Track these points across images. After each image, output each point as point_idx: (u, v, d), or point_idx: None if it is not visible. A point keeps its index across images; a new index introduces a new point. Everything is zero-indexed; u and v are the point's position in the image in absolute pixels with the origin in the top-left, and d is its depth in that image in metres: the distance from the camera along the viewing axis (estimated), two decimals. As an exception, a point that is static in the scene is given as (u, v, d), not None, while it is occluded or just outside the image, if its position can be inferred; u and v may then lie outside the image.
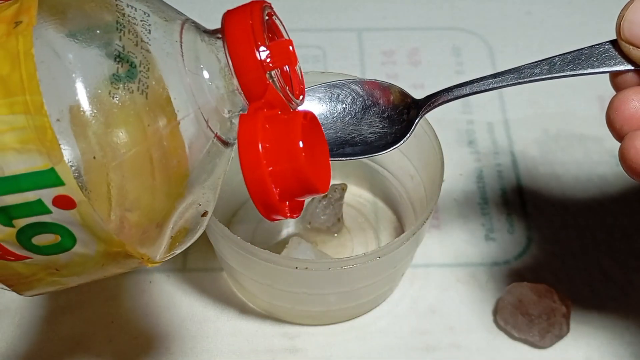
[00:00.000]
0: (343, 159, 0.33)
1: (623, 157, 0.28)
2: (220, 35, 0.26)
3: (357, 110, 0.33)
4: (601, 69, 0.30)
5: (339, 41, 0.56)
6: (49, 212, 0.24)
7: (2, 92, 0.23)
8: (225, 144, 0.28)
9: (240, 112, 0.27)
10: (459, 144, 0.49)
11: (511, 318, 0.40)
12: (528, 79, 0.31)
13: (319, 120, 0.29)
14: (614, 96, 0.30)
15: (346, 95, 0.33)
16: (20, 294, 0.28)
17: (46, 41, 0.24)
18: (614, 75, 0.30)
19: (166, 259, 0.29)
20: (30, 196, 0.24)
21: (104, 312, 0.41)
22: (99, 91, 0.24)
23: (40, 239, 0.25)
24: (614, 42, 0.30)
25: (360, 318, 0.41)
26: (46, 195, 0.24)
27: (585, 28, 0.57)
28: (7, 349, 0.40)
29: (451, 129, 0.50)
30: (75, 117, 0.24)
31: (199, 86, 0.26)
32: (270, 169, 0.25)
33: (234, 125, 0.27)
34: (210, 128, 0.27)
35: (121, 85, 0.24)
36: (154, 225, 0.27)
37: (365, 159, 0.44)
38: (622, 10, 0.29)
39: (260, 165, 0.25)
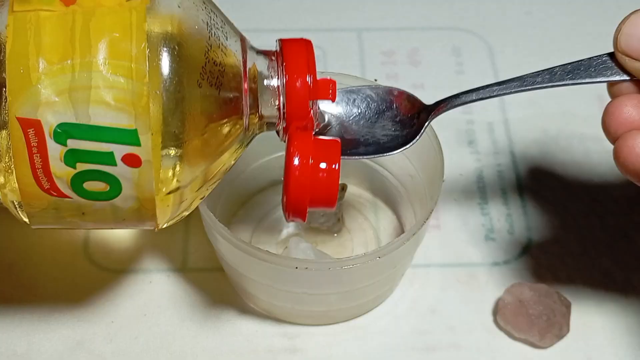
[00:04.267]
0: (356, 157, 0.35)
1: (617, 157, 0.31)
2: (273, 57, 0.32)
3: (371, 115, 0.35)
4: (598, 79, 0.33)
5: (339, 41, 0.56)
6: (114, 164, 0.28)
7: (110, 53, 0.27)
8: (244, 141, 0.32)
9: (265, 126, 0.32)
10: (459, 144, 0.49)
11: (511, 318, 0.40)
12: (530, 87, 0.34)
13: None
14: (609, 102, 0.32)
15: (362, 100, 0.36)
16: (29, 223, 0.31)
17: (155, 22, 0.28)
18: (611, 85, 0.33)
19: (163, 227, 0.32)
20: (105, 147, 0.27)
21: (104, 312, 0.41)
22: (191, 80, 0.28)
23: (91, 185, 0.28)
24: (611, 54, 0.33)
25: (360, 318, 0.41)
26: (119, 150, 0.28)
27: (584, 28, 0.57)
28: (6, 349, 0.40)
29: (451, 129, 0.50)
30: (168, 94, 0.27)
31: (252, 94, 0.31)
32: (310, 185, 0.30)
33: (252, 132, 0.32)
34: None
35: (205, 78, 0.29)
36: (187, 200, 0.31)
37: (365, 159, 0.44)
38: (619, 23, 0.32)
39: (307, 176, 0.30)
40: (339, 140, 0.32)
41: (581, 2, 0.59)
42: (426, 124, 0.35)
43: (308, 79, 0.31)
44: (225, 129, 0.30)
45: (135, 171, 0.28)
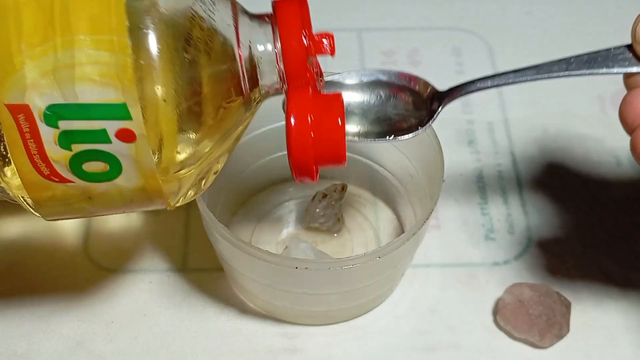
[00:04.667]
0: (369, 140, 0.35)
1: (633, 147, 0.31)
2: (267, 20, 0.31)
3: (383, 94, 0.35)
4: (615, 70, 0.33)
5: (339, 41, 0.55)
6: (109, 142, 0.27)
7: (90, 29, 0.26)
8: (247, 109, 0.32)
9: (266, 89, 0.31)
10: (459, 144, 0.49)
11: (511, 318, 0.40)
12: (546, 76, 0.33)
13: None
14: (627, 93, 0.32)
15: (373, 80, 0.36)
16: (41, 216, 0.30)
17: None
18: (627, 76, 0.33)
19: (176, 205, 0.31)
20: (96, 125, 0.27)
21: (104, 312, 0.41)
22: (175, 45, 0.28)
23: (91, 166, 0.28)
24: (629, 46, 0.33)
25: (360, 318, 0.41)
26: (111, 126, 0.27)
27: (584, 28, 0.57)
28: (7, 349, 0.40)
29: (451, 129, 0.50)
30: (151, 62, 0.27)
31: (249, 59, 0.30)
32: (312, 136, 0.30)
33: (256, 98, 0.32)
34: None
35: (192, 44, 0.28)
36: (194, 175, 0.30)
37: (365, 160, 0.44)
38: (638, 16, 0.32)
39: (307, 133, 0.30)
40: (340, 93, 0.31)
41: (581, 2, 0.59)
42: (440, 108, 0.35)
43: (303, 37, 0.30)
44: (223, 97, 0.30)
45: (131, 147, 0.28)
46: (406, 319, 0.41)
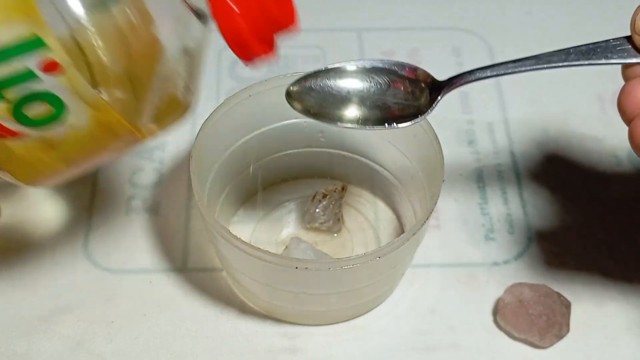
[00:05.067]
0: (367, 128, 0.35)
1: (632, 137, 0.31)
2: None
3: (382, 82, 0.35)
4: (614, 60, 0.33)
5: (339, 41, 0.56)
6: (37, 78, 0.26)
7: None
8: (198, 15, 0.30)
9: None
10: (459, 144, 0.49)
11: (511, 318, 0.40)
12: (545, 66, 0.34)
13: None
14: (626, 83, 0.32)
15: (373, 68, 0.36)
16: (25, 184, 0.30)
17: None
18: (626, 67, 0.33)
19: (156, 133, 0.30)
20: (18, 65, 0.26)
21: (104, 312, 0.41)
22: None
23: (33, 110, 0.27)
24: (628, 37, 0.33)
25: (360, 318, 0.41)
26: (33, 62, 0.26)
27: (584, 28, 0.57)
28: (6, 349, 0.40)
29: (451, 129, 0.50)
30: None
31: None
32: (239, 12, 0.28)
33: None
34: None
35: None
36: (134, 90, 0.29)
37: (365, 160, 0.44)
38: (637, 7, 0.32)
39: (231, 8, 0.28)
40: None
41: (581, 2, 0.59)
42: (439, 97, 0.35)
43: None
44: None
45: (62, 78, 0.26)
46: (406, 319, 0.41)
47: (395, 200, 0.45)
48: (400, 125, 0.35)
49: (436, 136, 0.39)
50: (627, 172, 0.48)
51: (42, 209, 0.45)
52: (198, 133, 0.38)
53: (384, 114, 0.35)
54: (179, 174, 0.47)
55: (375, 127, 0.35)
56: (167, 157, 0.48)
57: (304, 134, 0.43)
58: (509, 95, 0.52)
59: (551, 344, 0.40)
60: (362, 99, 0.35)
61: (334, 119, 0.35)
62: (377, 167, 0.44)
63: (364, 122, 0.35)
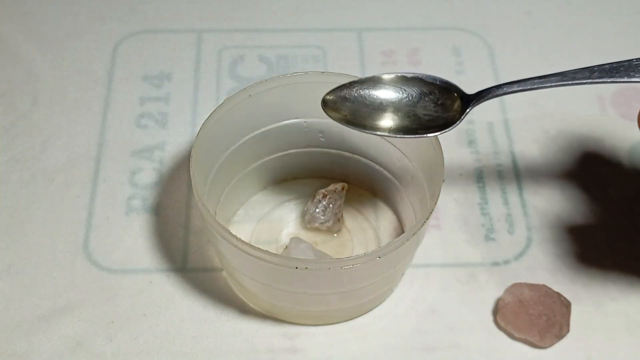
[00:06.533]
0: (399, 136, 0.37)
1: None
2: None
3: (414, 95, 0.38)
4: (636, 79, 0.35)
5: (339, 41, 0.56)
6: None
7: None
8: None
9: None
10: (459, 144, 0.49)
11: (511, 318, 0.40)
12: (570, 82, 0.36)
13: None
14: None
15: (406, 81, 0.38)
16: None
17: None
18: None
19: None
20: None
21: (104, 312, 0.41)
22: None
23: None
24: None
25: (360, 318, 0.41)
26: None
27: (585, 28, 0.57)
28: (7, 349, 0.40)
29: (451, 129, 0.50)
30: None
31: None
32: None
33: None
34: None
35: None
36: None
37: (365, 160, 0.44)
38: None
39: None
40: None
41: (581, 2, 0.59)
42: (467, 110, 0.37)
43: None
44: None
45: None
46: (406, 319, 0.41)
47: (396, 200, 0.45)
48: (429, 135, 0.37)
49: (436, 136, 0.39)
50: (627, 172, 0.48)
51: (42, 208, 0.45)
52: (198, 133, 0.38)
53: (414, 124, 0.37)
54: (179, 174, 0.47)
55: (406, 136, 0.37)
56: (167, 157, 0.48)
57: (304, 134, 0.43)
58: (509, 95, 0.52)
59: (551, 344, 0.40)
60: (395, 109, 0.38)
61: (367, 127, 0.38)
62: (377, 167, 0.44)
63: (395, 131, 0.37)
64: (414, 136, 0.37)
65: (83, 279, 0.42)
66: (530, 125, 0.51)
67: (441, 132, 0.37)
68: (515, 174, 0.48)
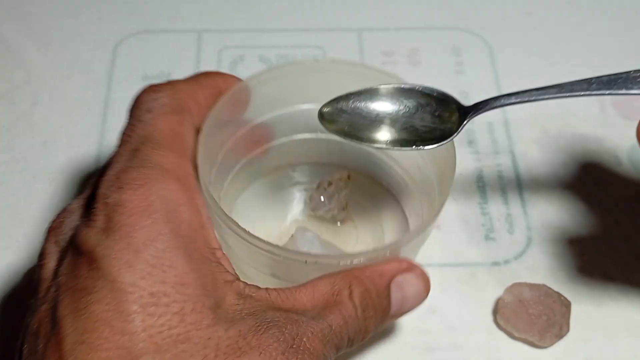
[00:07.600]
0: (396, 148, 0.37)
1: None
2: None
3: (411, 107, 0.37)
4: (634, 91, 0.35)
5: (339, 41, 0.56)
6: None
7: None
8: None
9: None
10: (459, 144, 0.49)
11: (511, 318, 0.40)
12: (568, 94, 0.36)
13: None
14: None
15: (403, 93, 0.38)
16: None
17: None
18: None
19: None
20: None
21: (104, 311, 0.41)
22: None
23: None
24: None
25: (361, 318, 0.41)
26: None
27: (584, 28, 0.57)
28: (6, 349, 0.40)
29: (451, 129, 0.50)
30: None
31: None
32: None
33: None
34: None
35: None
36: None
37: (375, 150, 0.44)
38: None
39: None
40: None
41: (581, 2, 0.59)
42: (465, 122, 0.37)
43: None
44: None
45: None
46: (406, 319, 0.41)
47: (400, 190, 0.44)
48: (425, 147, 0.36)
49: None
50: (627, 172, 0.48)
51: (42, 208, 0.45)
52: (207, 116, 0.38)
53: (411, 136, 0.37)
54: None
55: (403, 148, 0.37)
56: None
57: (316, 121, 0.43)
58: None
59: (551, 344, 0.40)
60: (392, 121, 0.37)
61: (364, 139, 0.37)
62: (382, 156, 0.44)
63: (392, 143, 0.37)
64: (410, 149, 0.37)
65: (83, 279, 0.42)
66: (530, 125, 0.51)
67: (438, 144, 0.36)
68: (515, 173, 0.48)
